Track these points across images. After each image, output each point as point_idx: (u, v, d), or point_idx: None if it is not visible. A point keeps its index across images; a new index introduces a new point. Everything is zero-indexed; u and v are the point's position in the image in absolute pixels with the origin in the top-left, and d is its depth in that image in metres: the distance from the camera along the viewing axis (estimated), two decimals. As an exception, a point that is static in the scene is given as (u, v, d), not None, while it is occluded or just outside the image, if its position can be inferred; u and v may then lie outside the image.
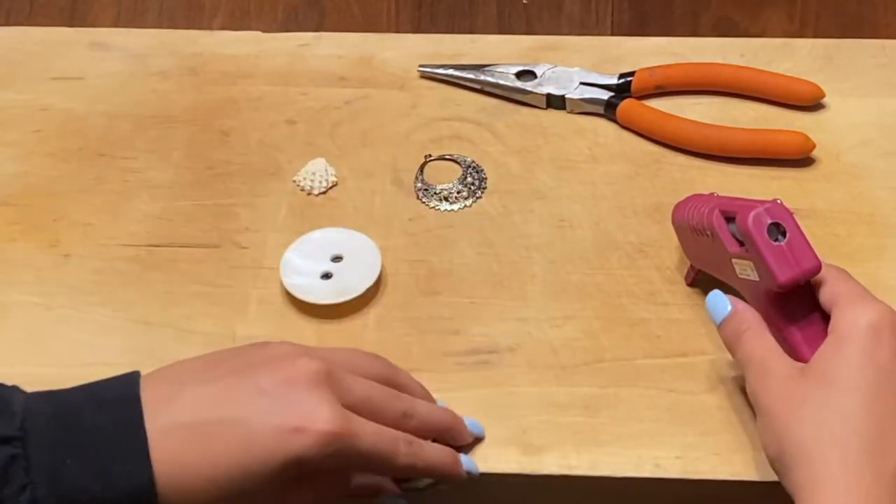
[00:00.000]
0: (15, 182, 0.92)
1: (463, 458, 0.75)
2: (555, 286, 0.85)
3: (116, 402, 0.67)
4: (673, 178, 0.90)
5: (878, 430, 0.66)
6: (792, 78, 0.94)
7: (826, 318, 0.72)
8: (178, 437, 0.66)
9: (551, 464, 0.77)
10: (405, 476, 0.73)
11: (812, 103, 0.93)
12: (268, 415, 0.66)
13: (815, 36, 1.03)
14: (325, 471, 0.68)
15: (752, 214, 0.72)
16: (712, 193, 0.81)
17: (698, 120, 0.92)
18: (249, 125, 0.95)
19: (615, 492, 0.77)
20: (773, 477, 0.74)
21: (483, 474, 0.76)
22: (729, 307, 0.74)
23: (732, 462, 0.76)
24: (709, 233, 0.76)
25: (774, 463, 0.70)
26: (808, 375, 0.69)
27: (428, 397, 0.76)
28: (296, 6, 1.07)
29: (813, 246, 0.71)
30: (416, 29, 1.06)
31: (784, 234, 0.71)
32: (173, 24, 1.05)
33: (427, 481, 0.74)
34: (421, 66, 0.97)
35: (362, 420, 0.68)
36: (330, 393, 0.67)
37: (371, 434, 0.68)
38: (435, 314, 0.83)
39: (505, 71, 0.96)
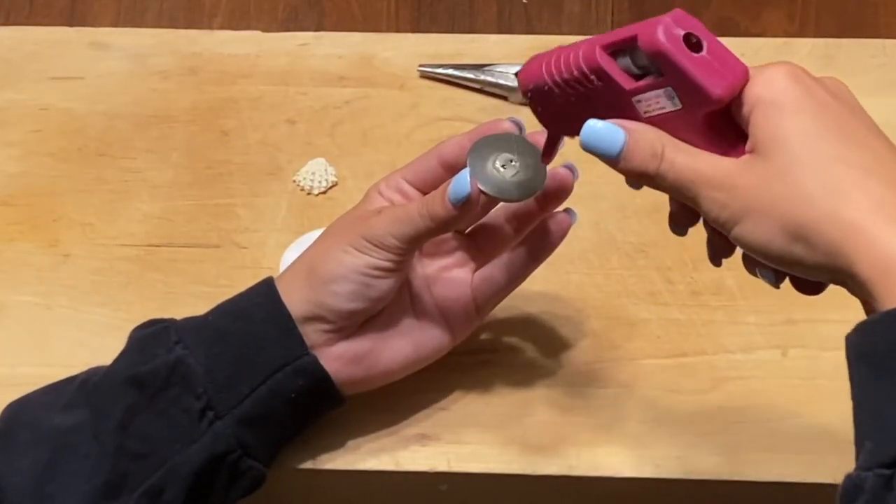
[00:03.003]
0: (15, 182, 0.92)
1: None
2: (555, 286, 0.84)
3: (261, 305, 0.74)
4: (673, 178, 0.90)
5: (869, 147, 0.61)
6: (792, 78, 0.94)
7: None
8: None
9: (551, 464, 0.77)
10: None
11: (812, 103, 0.93)
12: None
13: (816, 36, 1.03)
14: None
15: (660, 29, 0.61)
16: (559, 46, 0.68)
17: (698, 120, 0.92)
18: (249, 125, 0.95)
19: (615, 492, 0.77)
20: (772, 477, 0.75)
21: (483, 474, 0.76)
22: (622, 132, 0.64)
23: (732, 462, 0.76)
24: (592, 78, 0.65)
25: (790, 245, 0.61)
26: (767, 153, 0.61)
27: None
28: (296, 6, 1.07)
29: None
30: (416, 29, 1.06)
31: (700, 44, 0.62)
32: (173, 24, 1.05)
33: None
34: (421, 65, 0.97)
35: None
36: None
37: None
38: (435, 314, 0.83)
39: (505, 71, 0.96)
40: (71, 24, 1.05)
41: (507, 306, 0.83)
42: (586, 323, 0.83)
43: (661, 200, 0.89)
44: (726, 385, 0.79)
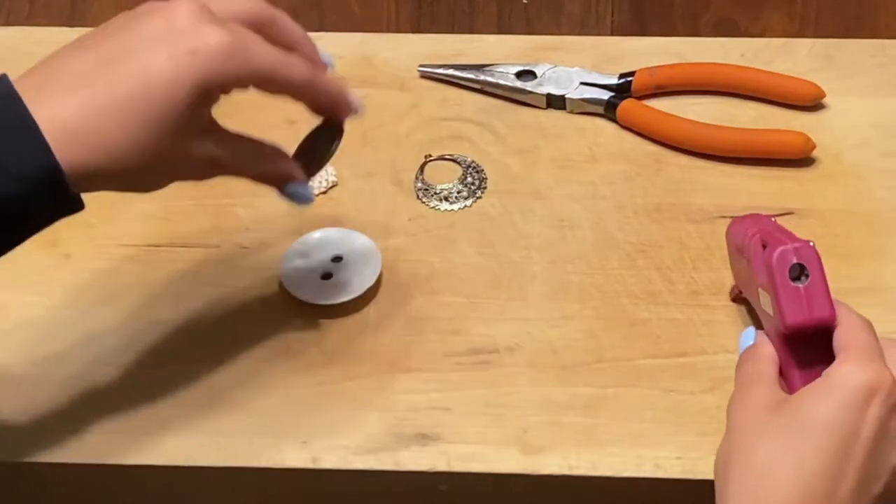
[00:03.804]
0: (15, 182, 0.92)
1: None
2: (555, 286, 0.85)
3: None
4: (673, 178, 0.90)
5: (828, 488, 0.64)
6: (792, 78, 0.94)
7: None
8: (70, 109, 0.64)
9: (551, 464, 0.77)
10: (304, 100, 0.74)
11: (812, 103, 0.93)
12: (158, 50, 0.65)
13: (815, 36, 1.04)
14: (229, 133, 0.70)
15: (778, 250, 0.69)
16: (770, 217, 0.80)
17: (698, 120, 0.92)
18: (249, 125, 0.94)
19: (615, 492, 0.77)
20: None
21: (483, 474, 0.76)
22: (752, 341, 0.73)
23: (732, 462, 0.76)
24: (746, 257, 0.74)
25: (717, 475, 0.67)
26: (783, 409, 0.66)
27: (314, 53, 0.74)
28: (296, 6, 1.07)
29: (832, 296, 0.69)
30: (416, 29, 1.06)
31: (806, 277, 0.69)
32: (173, 24, 1.05)
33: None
34: (421, 66, 0.97)
35: (255, 36, 0.68)
36: (215, 20, 0.67)
37: (266, 49, 0.69)
38: (435, 314, 0.83)
39: (505, 71, 0.96)
40: (71, 24, 1.05)
41: (507, 306, 0.83)
42: (586, 323, 0.83)
43: (661, 201, 0.89)
44: (726, 385, 0.79)
